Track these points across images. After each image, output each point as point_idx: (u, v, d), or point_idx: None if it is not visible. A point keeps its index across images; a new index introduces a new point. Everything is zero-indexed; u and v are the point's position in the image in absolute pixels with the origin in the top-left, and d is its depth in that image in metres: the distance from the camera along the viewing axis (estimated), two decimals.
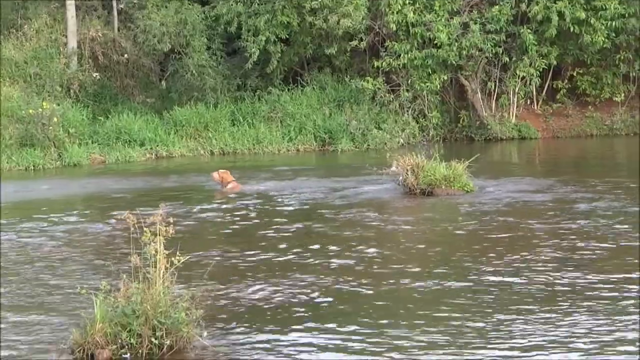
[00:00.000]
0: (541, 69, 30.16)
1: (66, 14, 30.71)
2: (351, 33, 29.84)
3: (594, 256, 12.83)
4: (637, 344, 9.05)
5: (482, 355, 8.86)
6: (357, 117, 29.26)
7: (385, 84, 30.00)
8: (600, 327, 9.59)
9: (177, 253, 9.30)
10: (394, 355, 8.97)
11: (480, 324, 9.78)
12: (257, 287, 11.71)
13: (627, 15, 29.73)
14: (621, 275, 11.64)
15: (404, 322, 9.95)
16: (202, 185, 21.41)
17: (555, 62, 30.43)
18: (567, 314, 10.05)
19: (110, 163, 26.93)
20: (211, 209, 18.10)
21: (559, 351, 8.92)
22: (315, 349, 9.25)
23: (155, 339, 9.01)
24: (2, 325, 10.18)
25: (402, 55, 29.60)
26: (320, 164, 25.85)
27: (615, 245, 13.44)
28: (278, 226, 16.06)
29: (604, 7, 29.50)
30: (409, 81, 29.86)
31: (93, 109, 29.53)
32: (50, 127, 26.50)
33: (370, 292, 11.38)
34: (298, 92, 30.31)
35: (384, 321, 10.01)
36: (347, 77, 30.65)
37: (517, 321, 9.84)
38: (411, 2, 29.63)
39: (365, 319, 10.11)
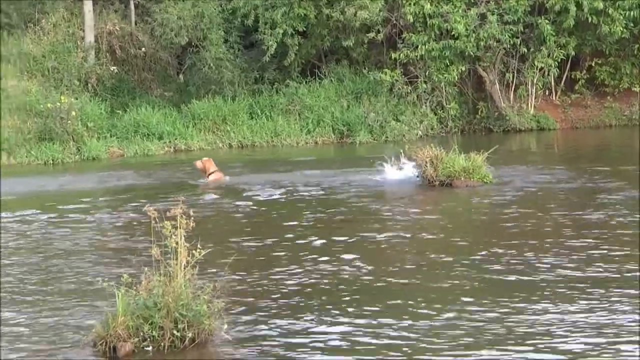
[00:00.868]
0: (559, 60, 30.04)
1: (83, 8, 30.77)
2: (368, 25, 29.77)
3: (616, 246, 12.75)
4: None
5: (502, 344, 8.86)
6: (375, 109, 29.21)
7: (403, 76, 29.94)
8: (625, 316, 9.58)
9: (198, 245, 9.29)
10: (415, 343, 8.98)
11: (499, 314, 9.76)
12: (278, 277, 11.71)
13: None
14: None
15: (425, 312, 9.94)
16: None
17: (573, 53, 30.31)
18: (599, 304, 10.02)
19: (128, 156, 27.00)
20: (226, 202, 18.12)
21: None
22: (335, 338, 9.24)
23: (177, 331, 9.00)
24: (23, 317, 10.23)
25: (419, 47, 29.51)
26: (338, 156, 25.82)
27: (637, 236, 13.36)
28: (298, 215, 16.10)
29: None
30: (427, 73, 29.78)
31: (111, 102, 29.58)
32: (69, 121, 26.59)
33: (394, 280, 11.37)
34: (316, 85, 30.28)
35: (409, 308, 10.01)
36: (364, 69, 30.62)
37: (547, 311, 9.83)
38: None
39: (389, 308, 10.10)
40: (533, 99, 30.63)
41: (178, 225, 9.25)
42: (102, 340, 8.97)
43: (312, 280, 11.55)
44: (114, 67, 30.98)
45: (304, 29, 30.15)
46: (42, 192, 20.54)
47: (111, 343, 8.92)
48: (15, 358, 9.02)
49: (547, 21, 29.43)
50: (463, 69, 29.83)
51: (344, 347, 9.06)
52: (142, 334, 8.99)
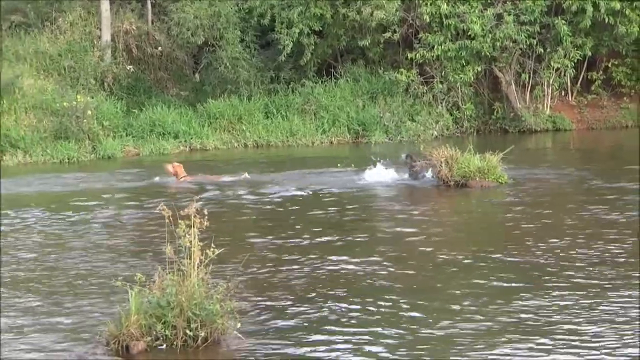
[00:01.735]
0: (576, 60, 29.95)
1: (100, 7, 30.84)
2: (384, 25, 29.74)
3: (631, 247, 12.71)
4: None
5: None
6: (390, 109, 29.20)
7: (419, 76, 29.91)
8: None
9: (212, 245, 9.29)
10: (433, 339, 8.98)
11: (518, 314, 9.76)
12: (292, 276, 11.71)
13: None
14: None
15: (442, 308, 9.93)
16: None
17: (590, 53, 30.20)
18: (616, 305, 10.02)
19: (144, 155, 27.04)
20: (242, 199, 18.15)
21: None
22: (350, 337, 9.23)
23: (190, 330, 9.01)
24: (37, 316, 10.25)
25: (435, 47, 29.46)
26: (353, 156, 25.81)
27: None
28: (313, 214, 16.11)
29: None
30: (443, 73, 29.74)
31: (127, 101, 29.62)
32: (85, 120, 26.63)
33: (410, 279, 11.37)
34: (331, 84, 30.27)
35: (426, 306, 10.01)
36: (380, 69, 30.59)
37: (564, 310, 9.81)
38: None
39: (406, 306, 10.09)
40: (549, 100, 30.55)
41: (192, 224, 9.27)
42: (115, 339, 8.99)
43: (326, 279, 11.54)
44: (130, 66, 31.05)
45: (320, 29, 30.14)
46: (56, 190, 20.58)
47: (124, 342, 8.94)
48: (28, 357, 9.04)
49: (563, 22, 29.33)
50: (479, 69, 29.77)
51: (359, 345, 9.04)
52: (154, 333, 9.01)
